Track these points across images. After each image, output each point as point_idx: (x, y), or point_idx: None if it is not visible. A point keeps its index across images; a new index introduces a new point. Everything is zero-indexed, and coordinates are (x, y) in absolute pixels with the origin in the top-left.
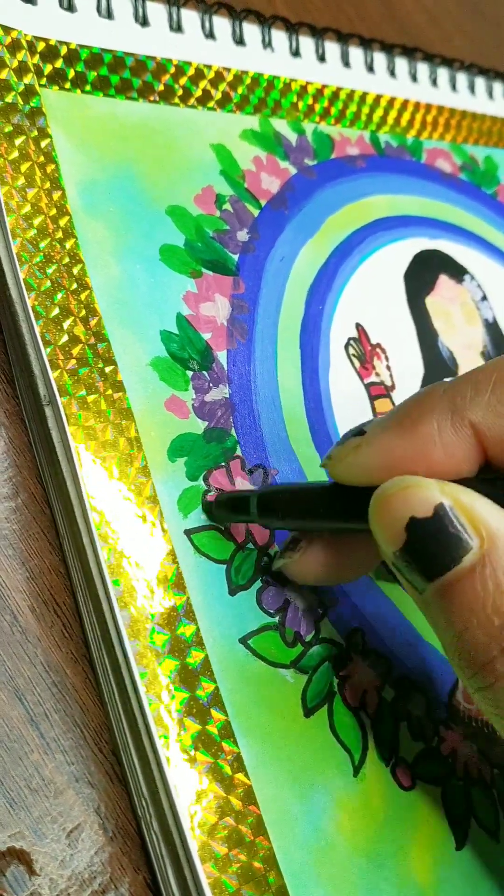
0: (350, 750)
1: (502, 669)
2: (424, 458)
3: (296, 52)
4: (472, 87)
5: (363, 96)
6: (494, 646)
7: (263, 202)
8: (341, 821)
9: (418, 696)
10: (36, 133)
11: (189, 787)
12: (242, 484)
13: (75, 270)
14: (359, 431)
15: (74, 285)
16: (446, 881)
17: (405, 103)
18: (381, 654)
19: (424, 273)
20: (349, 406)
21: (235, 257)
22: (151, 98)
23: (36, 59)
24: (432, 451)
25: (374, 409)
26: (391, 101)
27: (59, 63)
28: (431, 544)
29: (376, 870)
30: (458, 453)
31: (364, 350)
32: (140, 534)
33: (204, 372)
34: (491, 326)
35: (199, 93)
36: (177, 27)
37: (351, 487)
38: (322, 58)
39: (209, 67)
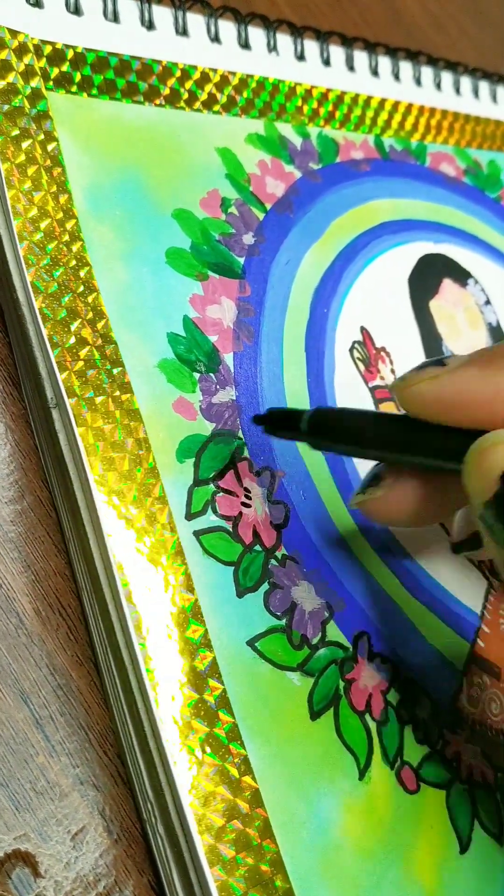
0: (356, 753)
1: None
2: (497, 402)
3: (301, 56)
4: (476, 91)
5: (367, 100)
6: None
7: (269, 206)
8: (347, 824)
9: (423, 699)
10: (42, 136)
11: (197, 790)
12: (250, 485)
13: (82, 273)
14: (439, 361)
15: (81, 288)
16: (451, 884)
17: (409, 107)
18: (386, 657)
19: (428, 277)
20: (351, 403)
21: (241, 260)
22: (157, 102)
23: (42, 62)
24: None
25: (377, 410)
26: (395, 105)
27: (65, 66)
28: None
29: (382, 873)
30: None
31: (369, 353)
32: (149, 535)
33: (211, 374)
34: (494, 330)
35: (204, 96)
36: (182, 31)
37: (412, 419)
38: (327, 61)
39: (214, 71)
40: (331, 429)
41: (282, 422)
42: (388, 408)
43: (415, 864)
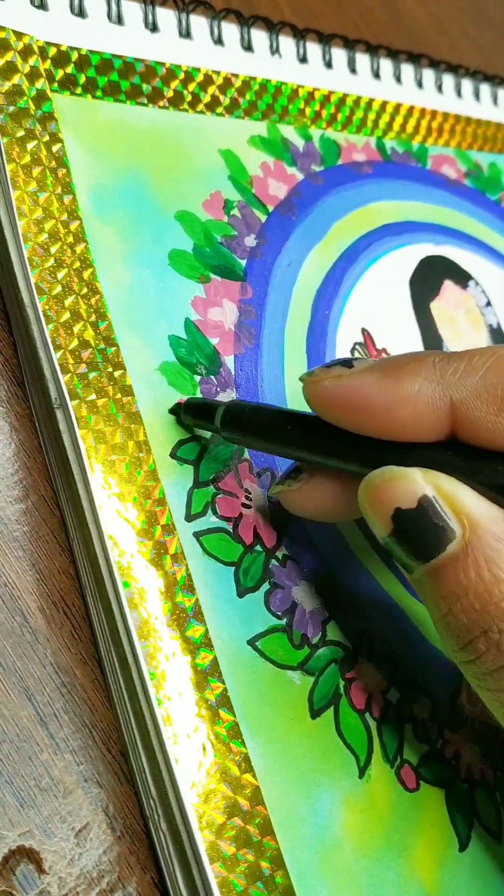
0: (356, 751)
1: (484, 648)
2: (393, 412)
3: (303, 59)
4: (477, 94)
5: (369, 102)
6: (476, 628)
7: (271, 208)
8: (347, 821)
9: (423, 698)
10: (47, 138)
11: (198, 788)
12: (251, 487)
13: (85, 275)
14: (347, 363)
15: (85, 290)
16: (450, 882)
17: (411, 109)
18: (386, 656)
19: (430, 279)
20: None
21: (243, 262)
22: (161, 103)
23: (47, 64)
24: (403, 408)
25: None
26: (397, 108)
27: (70, 68)
28: (417, 533)
29: (381, 870)
30: (427, 420)
31: (370, 355)
32: (150, 537)
33: (212, 376)
34: (495, 332)
35: (207, 98)
36: (186, 33)
37: (318, 420)
38: (329, 64)
39: (218, 73)
40: (242, 423)
41: (197, 413)
42: None
43: (414, 861)
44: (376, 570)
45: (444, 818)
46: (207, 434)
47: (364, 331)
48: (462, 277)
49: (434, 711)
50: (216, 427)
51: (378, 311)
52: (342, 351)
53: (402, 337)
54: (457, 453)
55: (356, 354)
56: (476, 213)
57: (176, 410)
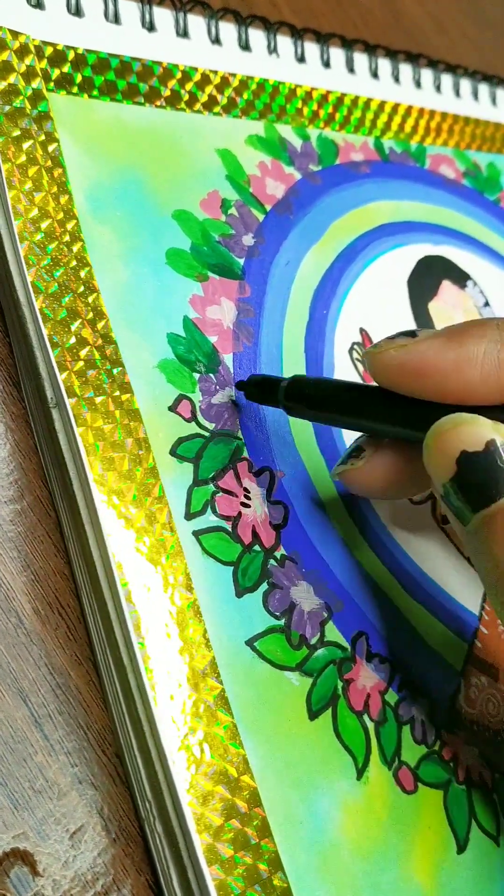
0: (353, 753)
1: None
2: (461, 376)
3: (301, 58)
4: (475, 94)
5: (367, 102)
6: None
7: (268, 207)
8: (345, 823)
9: (421, 700)
10: (43, 137)
11: (195, 789)
12: (250, 485)
13: (82, 273)
14: (411, 333)
15: (82, 288)
16: (448, 885)
17: (409, 109)
18: (384, 657)
19: (428, 279)
20: None
21: (241, 261)
22: (158, 103)
23: (44, 63)
24: (470, 371)
25: None
26: (395, 107)
27: (66, 68)
28: (480, 476)
29: (379, 873)
30: (492, 381)
31: None
32: (149, 535)
33: (211, 374)
34: None
35: (204, 98)
36: (183, 32)
37: (382, 390)
38: (327, 63)
39: (215, 73)
40: (306, 396)
41: (261, 388)
42: None
43: (412, 864)
44: (375, 571)
45: (442, 820)
46: (206, 432)
47: (362, 330)
48: (460, 277)
49: (432, 713)
50: (280, 402)
51: (376, 311)
52: (340, 351)
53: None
54: None
55: (354, 355)
56: (474, 213)
57: (242, 386)
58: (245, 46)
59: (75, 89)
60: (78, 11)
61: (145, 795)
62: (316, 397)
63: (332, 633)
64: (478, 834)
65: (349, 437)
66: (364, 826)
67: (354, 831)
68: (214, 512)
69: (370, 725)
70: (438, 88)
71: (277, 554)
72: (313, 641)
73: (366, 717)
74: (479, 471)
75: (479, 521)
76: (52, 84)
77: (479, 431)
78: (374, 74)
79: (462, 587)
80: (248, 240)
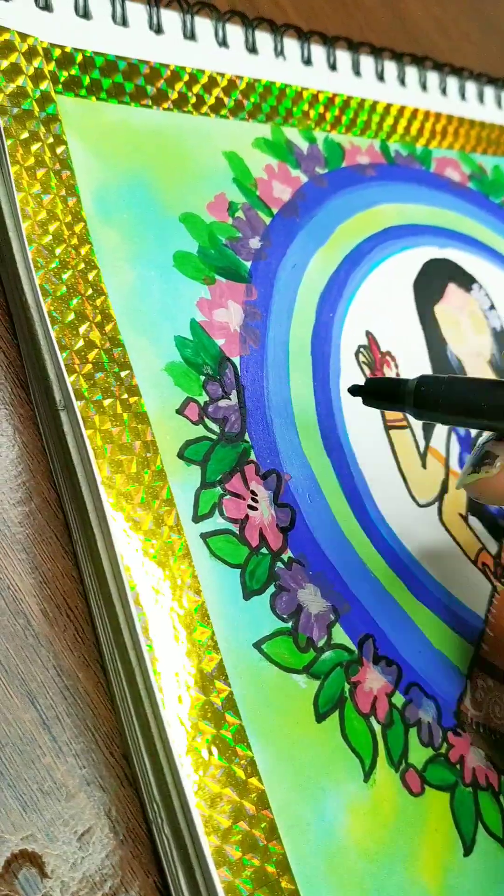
0: (361, 755)
1: None
2: None
3: (307, 61)
4: (480, 96)
5: (373, 105)
6: None
7: (275, 210)
8: (352, 826)
9: (428, 702)
10: (52, 140)
11: (203, 791)
12: (257, 488)
13: (90, 276)
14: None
15: (90, 291)
16: (455, 887)
17: (415, 112)
18: (391, 660)
19: (433, 282)
20: (360, 412)
21: (248, 265)
22: (165, 105)
23: (52, 66)
24: None
25: (383, 416)
26: (401, 110)
27: (74, 70)
28: None
29: (386, 875)
30: None
31: (374, 358)
32: (157, 537)
33: (217, 377)
34: (499, 335)
35: (212, 101)
36: (190, 35)
37: None
38: (333, 66)
39: (222, 75)
40: (437, 398)
41: (381, 392)
42: (392, 413)
43: (419, 866)
44: (382, 574)
45: (449, 823)
46: (214, 435)
47: (368, 333)
48: (466, 280)
49: (439, 715)
50: (408, 406)
51: (382, 314)
52: (347, 355)
53: (406, 340)
54: None
55: (361, 357)
56: (479, 216)
57: (358, 391)
58: (252, 49)
59: (83, 91)
60: (86, 14)
61: (153, 797)
62: (450, 398)
63: (339, 635)
64: (484, 836)
65: (355, 440)
66: (371, 828)
67: (361, 834)
68: (222, 514)
69: (377, 728)
70: (444, 91)
71: (284, 556)
72: (320, 644)
73: (373, 720)
74: None
75: None
76: (60, 86)
77: None
78: (380, 77)
79: (467, 590)
80: (255, 243)
